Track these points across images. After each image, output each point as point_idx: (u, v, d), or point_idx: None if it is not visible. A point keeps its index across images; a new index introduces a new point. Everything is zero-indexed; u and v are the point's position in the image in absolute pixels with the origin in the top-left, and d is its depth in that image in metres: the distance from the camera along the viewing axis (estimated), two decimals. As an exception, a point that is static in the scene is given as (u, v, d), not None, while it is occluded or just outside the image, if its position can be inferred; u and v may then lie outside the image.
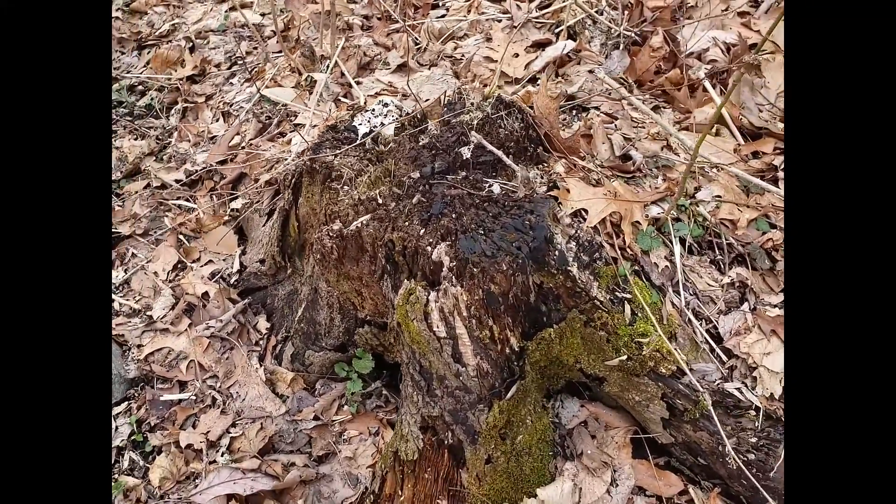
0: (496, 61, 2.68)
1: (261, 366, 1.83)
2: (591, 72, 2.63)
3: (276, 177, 2.08)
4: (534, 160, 1.61)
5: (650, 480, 1.48)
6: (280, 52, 3.15)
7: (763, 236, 1.68)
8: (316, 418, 1.74)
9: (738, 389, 1.44)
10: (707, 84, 2.24)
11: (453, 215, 1.36)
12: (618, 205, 1.54)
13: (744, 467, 1.34)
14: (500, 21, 3.15)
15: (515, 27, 3.06)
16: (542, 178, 1.57)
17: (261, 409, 1.75)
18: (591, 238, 1.43)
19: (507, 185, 1.44)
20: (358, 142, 1.55)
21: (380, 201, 1.44)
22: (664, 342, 1.37)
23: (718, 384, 1.44)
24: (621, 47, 2.70)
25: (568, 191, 1.53)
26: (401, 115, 1.64)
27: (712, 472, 1.46)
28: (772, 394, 1.44)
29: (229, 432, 1.71)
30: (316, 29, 3.31)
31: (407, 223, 1.37)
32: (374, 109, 1.67)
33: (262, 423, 1.71)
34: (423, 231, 1.34)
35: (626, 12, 2.91)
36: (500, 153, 1.46)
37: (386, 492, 1.52)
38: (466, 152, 1.49)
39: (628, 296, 1.44)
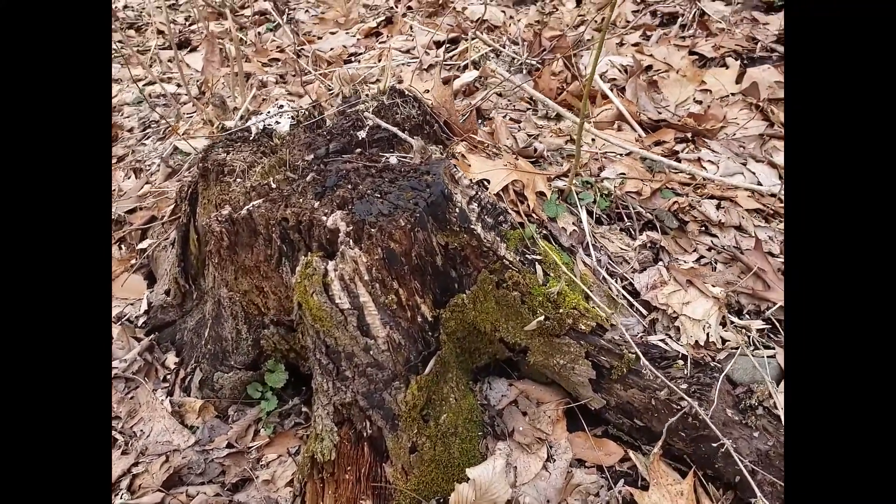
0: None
1: (167, 398, 1.67)
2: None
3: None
4: (432, 139, 1.60)
5: (589, 452, 1.38)
6: (193, 112, 3.16)
7: (669, 201, 1.69)
8: (229, 446, 1.58)
9: (663, 341, 1.39)
10: (605, 88, 2.33)
11: (349, 186, 1.31)
12: (519, 175, 1.53)
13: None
14: (409, 65, 3.25)
15: (424, 69, 3.17)
16: (441, 153, 1.55)
17: (168, 443, 1.58)
18: (494, 202, 1.40)
19: (405, 157, 1.41)
20: (243, 131, 1.50)
21: (273, 186, 1.38)
22: (577, 289, 1.33)
23: (642, 337, 1.39)
24: (524, 72, 2.81)
25: (469, 165, 1.52)
26: (297, 114, 1.62)
27: (652, 433, 1.38)
28: (696, 341, 1.40)
29: (131, 472, 1.53)
30: (230, 88, 3.33)
31: (301, 200, 1.31)
32: (269, 112, 1.64)
33: (167, 456, 1.54)
34: (317, 204, 1.28)
35: (526, 44, 3.05)
36: (394, 129, 1.44)
37: (307, 505, 1.37)
38: (362, 134, 1.47)
39: (538, 257, 1.40)
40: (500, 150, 1.66)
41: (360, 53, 3.71)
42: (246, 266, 1.39)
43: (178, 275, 1.74)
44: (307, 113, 1.62)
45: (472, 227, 1.30)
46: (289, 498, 1.45)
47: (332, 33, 4.41)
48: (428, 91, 2.91)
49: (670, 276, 1.48)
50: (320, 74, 3.17)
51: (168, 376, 1.78)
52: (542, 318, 1.34)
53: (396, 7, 4.70)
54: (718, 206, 1.73)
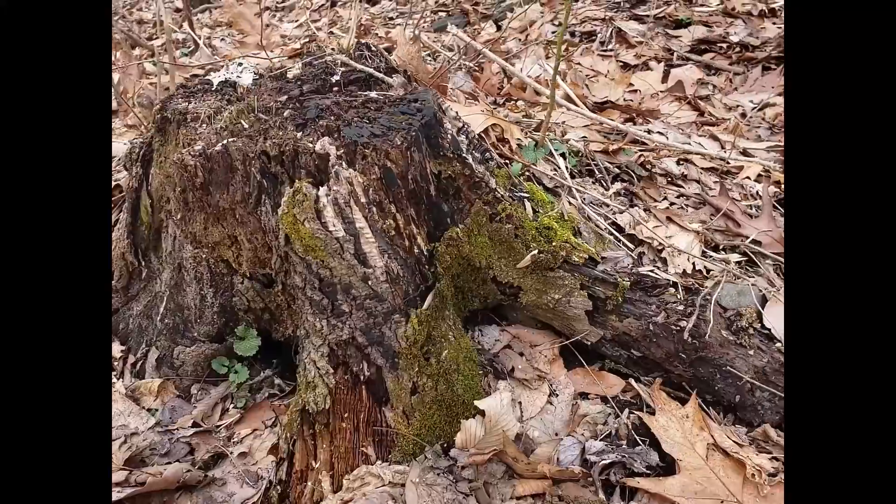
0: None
1: (118, 380, 1.49)
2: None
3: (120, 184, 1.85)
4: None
5: (590, 386, 1.35)
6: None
7: (635, 155, 1.74)
8: (195, 425, 1.42)
9: (652, 271, 1.40)
10: (559, 80, 2.40)
11: (332, 117, 1.25)
12: (497, 120, 1.52)
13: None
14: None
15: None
16: (417, 99, 1.52)
17: (124, 427, 1.40)
18: (479, 140, 1.38)
19: (385, 93, 1.37)
20: (203, 84, 1.42)
21: (245, 126, 1.30)
22: (566, 226, 1.32)
23: (632, 268, 1.39)
24: (464, 71, 2.86)
25: (446, 110, 1.50)
26: (258, 69, 1.54)
27: (649, 363, 1.37)
28: (684, 270, 1.42)
29: (80, 460, 1.34)
30: (154, 93, 3.18)
31: (281, 133, 1.23)
32: (229, 67, 1.56)
33: (125, 438, 1.36)
34: (300, 135, 1.21)
35: (461, 49, 3.12)
36: (371, 70, 1.41)
37: (296, 468, 1.24)
38: (335, 77, 1.42)
39: (526, 195, 1.39)
40: (476, 98, 1.65)
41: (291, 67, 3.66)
42: (220, 210, 1.28)
43: (126, 249, 1.58)
44: (269, 69, 1.55)
45: (464, 155, 1.27)
46: (271, 468, 1.31)
47: (254, 55, 4.34)
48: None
49: (649, 215, 1.51)
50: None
51: (116, 364, 1.59)
52: (535, 251, 1.32)
53: (318, 33, 4.71)
54: (678, 164, 1.79)
